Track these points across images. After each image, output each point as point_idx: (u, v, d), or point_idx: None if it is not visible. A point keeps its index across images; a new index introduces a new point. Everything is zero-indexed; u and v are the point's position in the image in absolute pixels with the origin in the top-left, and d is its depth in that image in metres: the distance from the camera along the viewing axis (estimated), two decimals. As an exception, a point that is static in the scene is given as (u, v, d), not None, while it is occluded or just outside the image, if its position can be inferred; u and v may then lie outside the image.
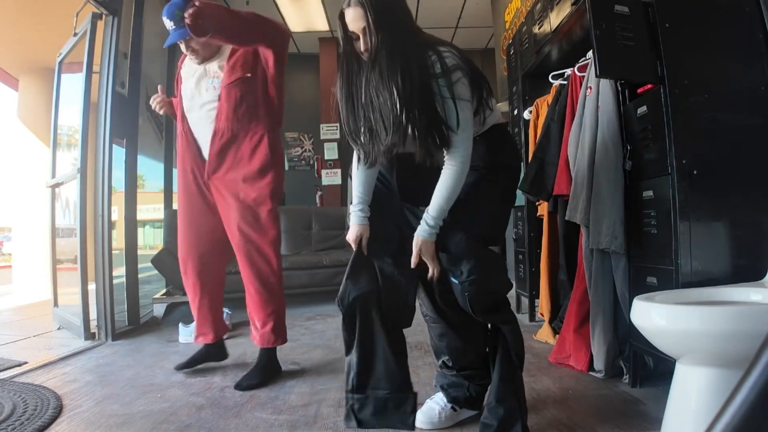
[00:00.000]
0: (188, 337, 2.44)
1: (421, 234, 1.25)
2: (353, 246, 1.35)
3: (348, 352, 1.32)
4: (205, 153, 1.94)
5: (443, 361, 1.49)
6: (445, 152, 1.25)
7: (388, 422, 1.28)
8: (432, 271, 1.27)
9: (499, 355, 1.32)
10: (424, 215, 1.26)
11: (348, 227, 1.38)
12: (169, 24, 1.81)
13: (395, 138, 1.22)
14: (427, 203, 1.27)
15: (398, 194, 1.37)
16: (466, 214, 1.28)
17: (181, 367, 2.00)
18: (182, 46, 1.88)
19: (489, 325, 1.38)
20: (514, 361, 1.31)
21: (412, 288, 1.35)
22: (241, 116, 1.89)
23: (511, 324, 1.32)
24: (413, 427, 1.29)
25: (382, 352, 1.29)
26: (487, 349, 1.40)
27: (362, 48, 1.22)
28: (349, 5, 1.20)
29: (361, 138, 1.29)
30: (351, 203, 1.39)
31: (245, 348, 2.45)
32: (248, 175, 1.91)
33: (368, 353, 1.30)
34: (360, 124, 1.28)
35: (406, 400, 1.28)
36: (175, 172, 2.26)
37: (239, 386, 1.83)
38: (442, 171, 1.26)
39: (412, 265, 1.27)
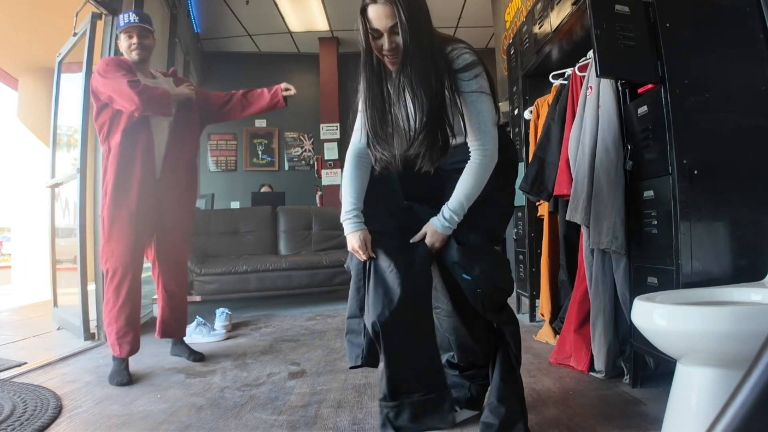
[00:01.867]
0: (188, 338, 2.43)
1: (438, 227, 1.23)
2: (362, 253, 1.24)
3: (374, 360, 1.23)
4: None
5: (447, 359, 1.48)
6: (470, 145, 1.23)
7: (427, 425, 1.19)
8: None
9: (500, 355, 1.33)
10: (443, 209, 1.23)
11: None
12: (133, 17, 2.04)
13: (422, 144, 1.18)
14: (433, 201, 1.26)
15: (402, 193, 1.34)
16: (480, 213, 1.28)
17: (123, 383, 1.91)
18: (134, 39, 2.02)
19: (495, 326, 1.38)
20: (513, 362, 1.32)
21: (429, 276, 1.29)
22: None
23: (514, 325, 1.34)
24: (454, 424, 1.24)
25: (412, 350, 1.20)
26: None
27: (386, 46, 1.16)
28: (375, 1, 1.12)
29: (386, 142, 1.23)
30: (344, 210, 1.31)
31: (245, 349, 2.45)
32: (183, 186, 2.19)
33: (398, 354, 1.18)
34: (388, 128, 1.23)
35: (443, 400, 1.20)
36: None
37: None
38: (467, 164, 1.23)
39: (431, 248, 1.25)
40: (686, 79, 1.48)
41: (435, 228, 1.24)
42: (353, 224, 1.27)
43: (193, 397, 1.74)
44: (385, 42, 1.16)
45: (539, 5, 2.44)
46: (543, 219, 2.51)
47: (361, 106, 1.26)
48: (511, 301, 3.14)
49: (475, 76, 1.20)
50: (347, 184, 1.32)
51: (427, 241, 1.25)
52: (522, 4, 3.94)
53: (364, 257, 1.25)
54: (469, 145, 1.24)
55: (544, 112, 2.41)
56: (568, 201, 1.91)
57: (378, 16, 1.13)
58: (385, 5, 1.12)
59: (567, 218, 1.89)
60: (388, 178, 1.32)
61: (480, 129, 1.20)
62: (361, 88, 1.25)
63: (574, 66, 2.09)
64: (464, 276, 1.24)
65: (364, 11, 1.15)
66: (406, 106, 1.22)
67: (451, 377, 1.46)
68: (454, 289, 1.32)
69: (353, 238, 1.26)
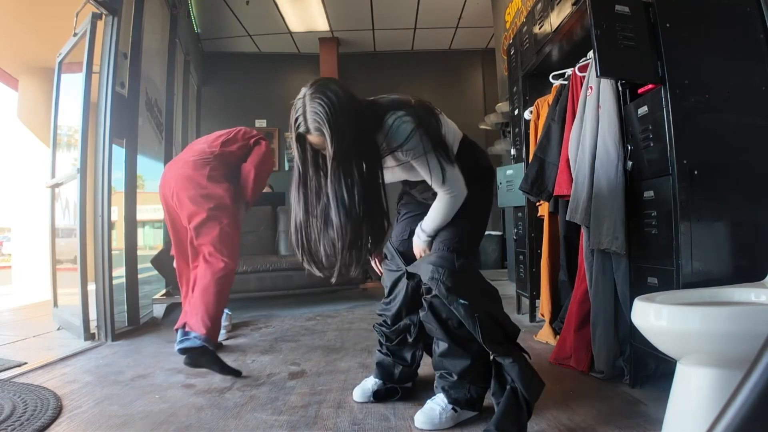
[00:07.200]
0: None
1: (420, 243, 1.50)
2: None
3: None
4: None
5: (442, 374, 1.48)
6: (437, 192, 1.41)
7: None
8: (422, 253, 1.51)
9: (507, 391, 1.34)
10: (420, 227, 1.48)
11: None
12: None
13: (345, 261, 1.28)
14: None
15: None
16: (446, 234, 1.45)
17: None
18: None
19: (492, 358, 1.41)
20: (521, 400, 1.32)
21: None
22: None
23: (512, 357, 1.36)
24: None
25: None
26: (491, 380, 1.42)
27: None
28: (308, 132, 1.22)
29: (315, 260, 1.32)
30: None
31: (245, 349, 2.45)
32: None
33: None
34: (319, 246, 1.30)
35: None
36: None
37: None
38: (438, 197, 1.41)
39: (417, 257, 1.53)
40: (686, 79, 1.48)
41: (418, 243, 1.51)
42: None
43: (193, 397, 1.74)
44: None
45: (539, 5, 2.44)
46: (543, 219, 2.51)
47: (292, 226, 1.34)
48: (512, 301, 3.14)
49: (416, 144, 1.29)
50: None
51: (418, 252, 1.52)
52: (522, 4, 3.94)
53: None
54: (437, 191, 1.41)
55: (544, 112, 2.41)
56: (568, 201, 1.91)
57: (315, 142, 1.25)
58: (318, 137, 1.22)
59: (567, 218, 1.89)
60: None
61: (439, 180, 1.35)
62: (295, 206, 1.33)
63: (574, 66, 2.09)
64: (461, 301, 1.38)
65: (301, 138, 1.25)
66: (332, 219, 1.27)
67: (449, 379, 1.46)
68: (440, 316, 1.43)
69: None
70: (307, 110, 1.20)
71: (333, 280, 1.32)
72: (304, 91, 1.23)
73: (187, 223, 2.20)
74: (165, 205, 2.28)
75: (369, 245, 1.31)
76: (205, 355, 1.96)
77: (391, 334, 1.63)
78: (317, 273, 1.34)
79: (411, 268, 1.50)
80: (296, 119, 1.22)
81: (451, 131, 1.46)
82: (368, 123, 1.28)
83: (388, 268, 1.64)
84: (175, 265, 2.37)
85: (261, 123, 6.54)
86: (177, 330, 2.10)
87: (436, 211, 1.42)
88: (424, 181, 1.43)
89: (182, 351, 1.97)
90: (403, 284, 1.57)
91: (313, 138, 1.23)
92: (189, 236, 2.21)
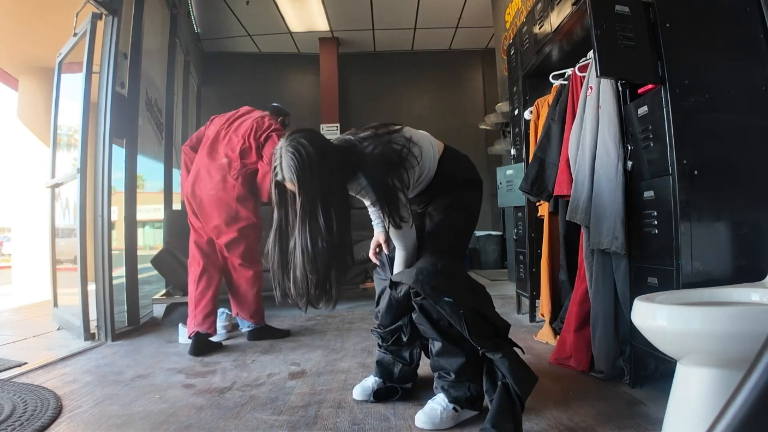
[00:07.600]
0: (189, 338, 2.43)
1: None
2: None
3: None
4: None
5: (440, 373, 1.49)
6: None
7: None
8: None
9: (499, 387, 1.35)
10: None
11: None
12: None
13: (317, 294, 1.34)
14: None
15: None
16: (434, 244, 1.48)
17: None
18: None
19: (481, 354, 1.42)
20: (513, 395, 1.34)
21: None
22: None
23: (502, 352, 1.38)
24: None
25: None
26: (484, 378, 1.43)
27: None
28: (284, 180, 1.32)
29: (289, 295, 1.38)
30: None
31: (245, 349, 2.45)
32: None
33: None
34: (289, 281, 1.36)
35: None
36: (176, 173, 2.64)
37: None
38: (396, 251, 1.51)
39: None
40: (686, 79, 1.48)
41: None
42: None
43: (193, 397, 1.74)
44: None
45: (539, 5, 2.44)
46: (543, 219, 2.51)
47: (270, 262, 1.40)
48: (512, 301, 3.14)
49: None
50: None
51: None
52: (522, 4, 3.95)
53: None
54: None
55: (544, 112, 2.41)
56: (568, 201, 1.91)
57: (291, 189, 1.34)
58: (292, 184, 1.31)
59: (567, 218, 1.89)
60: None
61: (397, 241, 1.47)
62: (270, 244, 1.38)
63: (574, 66, 2.09)
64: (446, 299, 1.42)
65: (279, 184, 1.34)
66: (298, 260, 1.32)
67: (447, 379, 1.46)
68: (431, 317, 1.45)
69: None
70: (282, 161, 1.30)
71: (304, 312, 1.40)
72: (281, 142, 1.32)
73: (215, 236, 2.46)
74: (192, 212, 2.48)
75: (335, 285, 1.36)
76: (261, 332, 2.62)
77: (386, 335, 1.65)
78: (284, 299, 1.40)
79: (395, 277, 1.50)
80: (275, 167, 1.32)
81: (428, 158, 1.48)
82: (339, 174, 1.36)
83: (379, 277, 1.68)
84: (199, 261, 2.51)
85: (261, 123, 6.53)
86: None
87: (398, 260, 1.51)
88: (416, 196, 1.54)
89: (249, 333, 2.63)
90: (389, 291, 1.60)
91: (288, 185, 1.33)
92: (218, 246, 2.52)
